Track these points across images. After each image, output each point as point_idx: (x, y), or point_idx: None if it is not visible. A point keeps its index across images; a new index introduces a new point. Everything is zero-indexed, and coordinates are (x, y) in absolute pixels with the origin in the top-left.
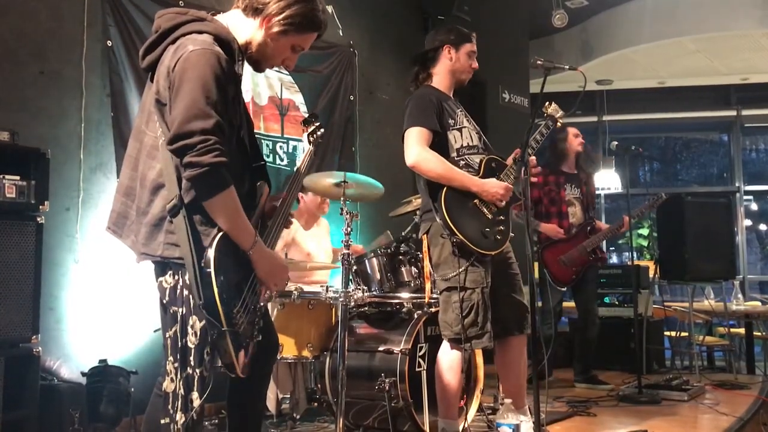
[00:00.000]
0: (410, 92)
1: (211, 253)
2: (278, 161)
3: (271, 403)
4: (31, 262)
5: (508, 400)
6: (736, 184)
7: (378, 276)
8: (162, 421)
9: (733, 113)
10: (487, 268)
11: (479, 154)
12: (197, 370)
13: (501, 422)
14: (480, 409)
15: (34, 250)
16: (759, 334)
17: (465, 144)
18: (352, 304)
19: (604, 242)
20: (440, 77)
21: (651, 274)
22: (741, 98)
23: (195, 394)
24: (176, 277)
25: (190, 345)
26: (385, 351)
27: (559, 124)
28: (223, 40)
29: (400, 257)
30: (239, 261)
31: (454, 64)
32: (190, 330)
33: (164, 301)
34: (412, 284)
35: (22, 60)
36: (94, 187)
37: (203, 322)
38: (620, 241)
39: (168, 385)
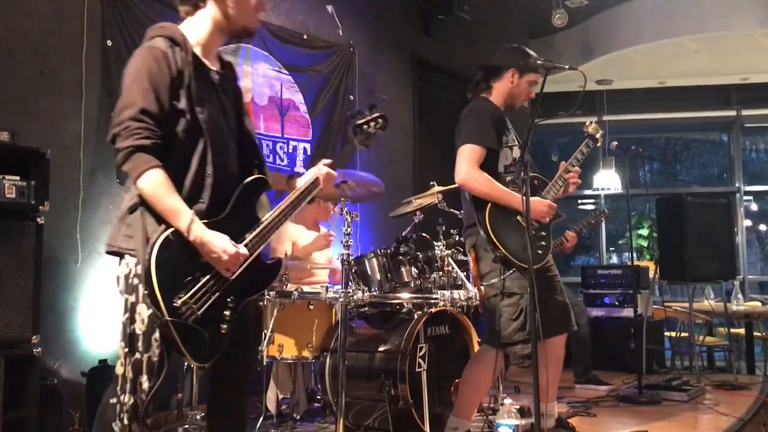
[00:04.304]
0: (411, 92)
1: (155, 244)
2: (278, 161)
3: (271, 404)
4: (31, 262)
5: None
6: (736, 185)
7: (378, 276)
8: (111, 401)
9: (733, 113)
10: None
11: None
12: (146, 355)
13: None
14: (480, 410)
15: (34, 251)
16: (759, 334)
17: (512, 161)
18: (352, 304)
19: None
20: (497, 94)
21: (651, 274)
22: (741, 98)
23: (144, 377)
24: (129, 267)
25: (138, 332)
26: (386, 351)
27: (599, 144)
28: (169, 37)
29: (400, 257)
30: (195, 252)
31: (513, 89)
32: (137, 317)
33: (119, 290)
34: (413, 284)
35: (22, 60)
36: (95, 188)
37: (151, 310)
38: (620, 242)
39: (118, 369)
